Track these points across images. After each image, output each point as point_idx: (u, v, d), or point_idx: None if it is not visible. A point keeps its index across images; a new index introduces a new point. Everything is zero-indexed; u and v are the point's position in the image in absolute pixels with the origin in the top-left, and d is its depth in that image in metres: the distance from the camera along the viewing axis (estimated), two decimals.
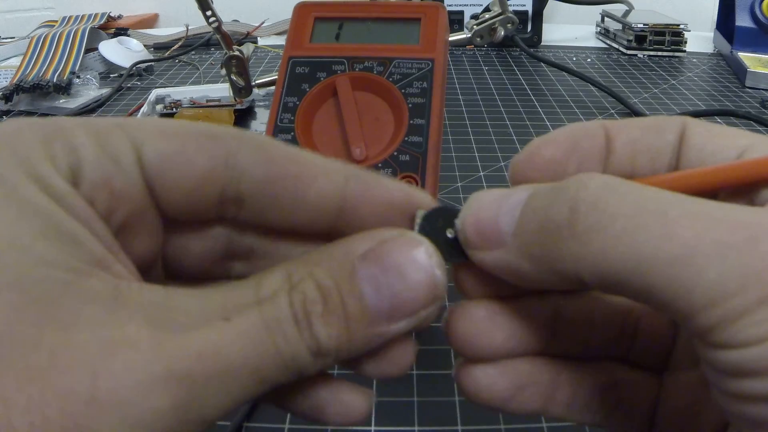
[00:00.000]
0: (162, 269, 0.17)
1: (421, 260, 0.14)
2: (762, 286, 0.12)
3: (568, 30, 0.91)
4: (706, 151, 0.17)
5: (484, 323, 0.17)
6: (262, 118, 0.54)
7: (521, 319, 0.17)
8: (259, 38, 0.89)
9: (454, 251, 0.16)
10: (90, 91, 0.65)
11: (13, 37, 0.89)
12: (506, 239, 0.15)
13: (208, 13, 0.44)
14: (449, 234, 0.16)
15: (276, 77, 0.40)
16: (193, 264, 0.17)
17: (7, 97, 0.62)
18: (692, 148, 0.17)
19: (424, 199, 0.16)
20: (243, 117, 0.53)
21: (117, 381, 0.12)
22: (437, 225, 0.16)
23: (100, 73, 0.72)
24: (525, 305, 0.17)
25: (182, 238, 0.17)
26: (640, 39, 0.79)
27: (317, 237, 0.16)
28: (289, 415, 0.26)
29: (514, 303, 0.17)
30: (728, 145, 0.16)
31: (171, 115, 0.52)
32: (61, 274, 0.12)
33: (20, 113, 0.62)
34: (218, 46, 0.81)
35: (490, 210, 0.15)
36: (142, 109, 0.54)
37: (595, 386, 0.18)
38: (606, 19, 0.88)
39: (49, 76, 0.64)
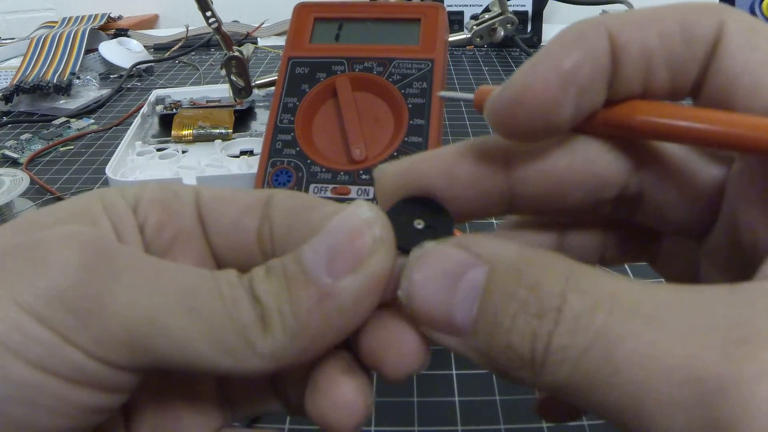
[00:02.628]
0: None
1: (351, 213, 0.14)
2: None
3: None
4: (742, 81, 0.13)
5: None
6: (262, 119, 0.54)
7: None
8: (259, 39, 0.89)
9: (419, 240, 0.14)
10: (90, 91, 0.65)
11: (14, 38, 0.89)
12: (463, 332, 0.13)
13: (208, 13, 0.44)
14: (417, 225, 0.15)
15: (276, 78, 0.40)
16: None
17: (8, 98, 0.62)
18: (723, 72, 0.14)
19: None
20: (243, 118, 0.53)
21: (50, 232, 0.14)
22: (409, 211, 0.15)
23: (100, 74, 0.72)
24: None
25: None
26: None
27: None
28: (288, 416, 0.26)
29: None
30: None
31: (171, 116, 0.52)
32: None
33: (20, 114, 0.62)
34: (218, 46, 0.81)
35: (440, 295, 0.13)
36: (142, 109, 0.54)
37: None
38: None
39: (49, 77, 0.64)
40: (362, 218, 0.14)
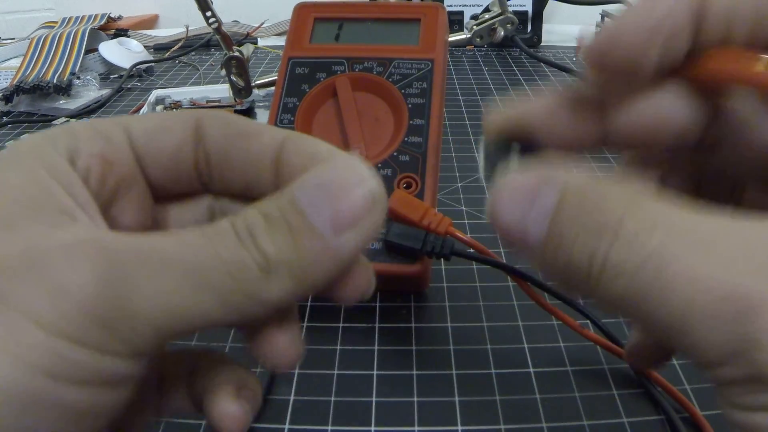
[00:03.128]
0: None
1: (352, 172, 0.15)
2: (746, 362, 0.12)
3: (568, 30, 0.91)
4: None
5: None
6: (262, 119, 0.54)
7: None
8: (259, 39, 0.89)
9: (507, 170, 0.16)
10: (90, 92, 0.65)
11: (13, 38, 0.89)
12: (534, 247, 0.15)
13: (208, 13, 0.44)
14: (511, 158, 0.18)
15: (276, 78, 0.40)
16: None
17: (8, 98, 0.62)
18: None
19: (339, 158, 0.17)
20: None
21: (45, 242, 0.13)
22: (506, 147, 0.19)
23: (100, 74, 0.72)
24: None
25: (170, 211, 0.19)
26: None
27: None
28: (289, 415, 0.26)
29: None
30: None
31: None
32: (24, 209, 0.14)
33: (20, 114, 0.62)
34: (218, 46, 0.81)
35: (516, 213, 0.15)
36: (142, 109, 0.54)
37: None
38: (606, 19, 0.88)
39: (49, 77, 0.64)
40: (362, 175, 0.15)
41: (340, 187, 0.15)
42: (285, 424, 0.26)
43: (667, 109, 0.17)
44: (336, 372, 0.28)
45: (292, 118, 0.37)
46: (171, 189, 0.19)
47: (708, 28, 0.16)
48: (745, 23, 0.15)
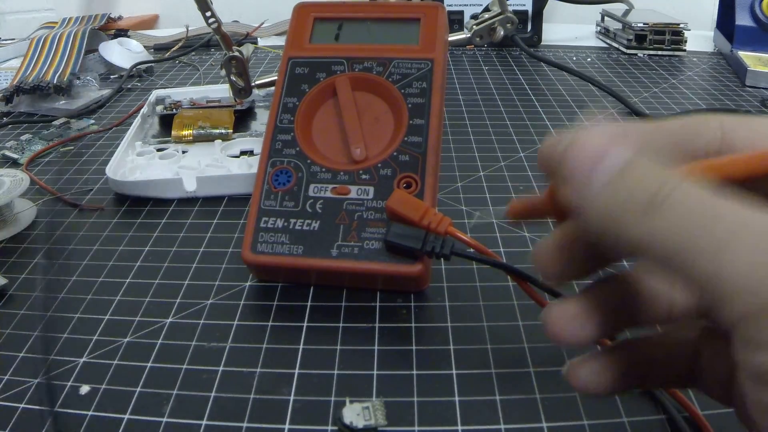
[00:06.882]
0: None
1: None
2: None
3: (568, 30, 0.91)
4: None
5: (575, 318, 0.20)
6: (262, 119, 0.54)
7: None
8: (258, 39, 0.89)
9: None
10: (90, 92, 0.65)
11: (13, 39, 0.89)
12: (593, 193, 0.17)
13: (208, 14, 0.44)
14: None
15: (276, 78, 0.40)
16: None
17: (8, 99, 0.62)
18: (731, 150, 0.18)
19: None
20: (243, 118, 0.53)
21: None
22: None
23: (100, 75, 0.72)
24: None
25: None
26: (640, 38, 0.79)
27: None
28: (289, 415, 0.26)
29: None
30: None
31: (171, 116, 0.52)
32: None
33: (20, 115, 0.62)
34: (218, 46, 0.81)
35: (589, 161, 0.17)
36: (142, 109, 0.54)
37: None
38: (606, 18, 0.88)
39: (49, 77, 0.64)
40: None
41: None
42: (285, 424, 0.26)
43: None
44: (336, 372, 0.28)
45: (292, 118, 0.37)
46: None
47: None
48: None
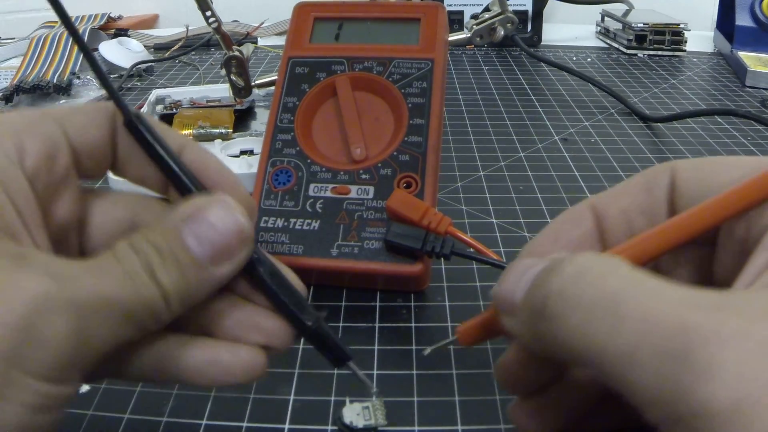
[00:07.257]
0: (77, 246, 0.21)
1: (227, 214, 0.19)
2: (691, 400, 0.12)
3: (568, 30, 0.91)
4: (696, 197, 0.18)
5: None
6: (262, 119, 0.54)
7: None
8: (258, 38, 0.89)
9: None
10: (90, 91, 0.65)
11: (14, 38, 0.89)
12: (516, 311, 0.17)
13: (208, 13, 0.44)
14: None
15: (276, 77, 0.40)
16: (100, 239, 0.22)
17: (8, 98, 0.62)
18: (683, 196, 0.19)
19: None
20: (243, 117, 0.53)
21: (24, 307, 0.15)
22: None
23: None
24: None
25: (96, 206, 0.22)
26: (641, 38, 0.79)
27: None
28: (288, 415, 0.26)
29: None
30: (720, 183, 0.18)
31: (171, 116, 0.52)
32: None
33: None
34: (218, 46, 0.81)
35: (513, 282, 0.18)
36: (142, 109, 0.54)
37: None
38: (606, 18, 0.88)
39: (49, 76, 0.64)
40: (240, 221, 0.19)
41: (218, 228, 0.18)
42: (285, 424, 0.26)
43: None
44: (336, 372, 0.28)
45: (292, 118, 0.37)
46: (96, 178, 0.21)
47: (611, 234, 0.20)
48: (641, 219, 0.19)
